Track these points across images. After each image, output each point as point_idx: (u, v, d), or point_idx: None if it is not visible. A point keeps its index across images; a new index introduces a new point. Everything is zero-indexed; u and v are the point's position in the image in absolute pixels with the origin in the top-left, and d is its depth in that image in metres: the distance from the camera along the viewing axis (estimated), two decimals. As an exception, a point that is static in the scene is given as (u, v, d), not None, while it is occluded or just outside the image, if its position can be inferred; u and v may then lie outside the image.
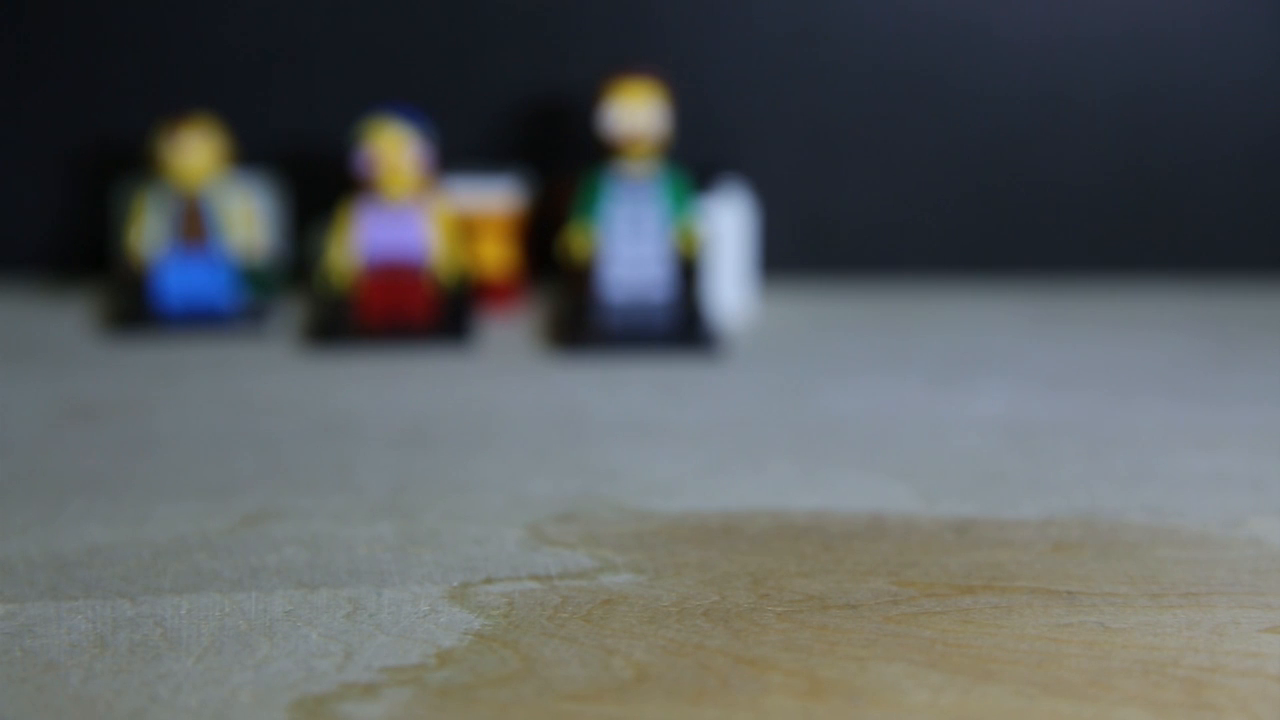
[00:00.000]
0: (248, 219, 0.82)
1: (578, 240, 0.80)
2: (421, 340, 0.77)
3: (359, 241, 0.79)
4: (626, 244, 0.80)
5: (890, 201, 0.91)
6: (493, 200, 0.85)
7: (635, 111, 0.79)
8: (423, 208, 0.80)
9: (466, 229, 0.84)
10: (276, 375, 0.72)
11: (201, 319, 0.80)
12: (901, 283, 0.91)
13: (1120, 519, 0.52)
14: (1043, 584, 0.46)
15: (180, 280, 0.81)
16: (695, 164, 0.85)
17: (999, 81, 0.90)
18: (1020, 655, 0.41)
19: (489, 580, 0.46)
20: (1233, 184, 0.91)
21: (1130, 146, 0.91)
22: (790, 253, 0.91)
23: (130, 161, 0.89)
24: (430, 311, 0.79)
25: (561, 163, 0.89)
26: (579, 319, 0.79)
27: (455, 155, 0.87)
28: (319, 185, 0.88)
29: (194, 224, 0.81)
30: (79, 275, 0.90)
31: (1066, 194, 0.91)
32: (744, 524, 0.51)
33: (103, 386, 0.70)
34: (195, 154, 0.80)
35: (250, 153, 0.88)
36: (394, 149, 0.79)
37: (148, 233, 0.81)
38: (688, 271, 0.80)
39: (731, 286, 0.84)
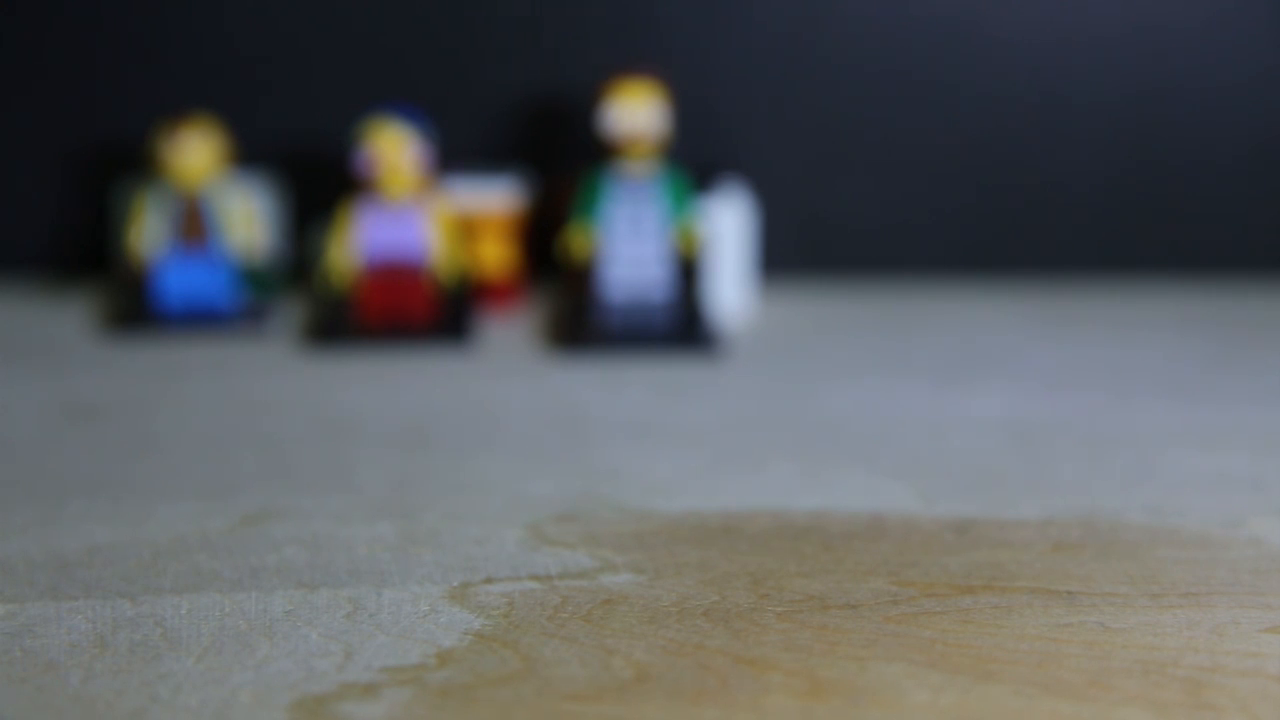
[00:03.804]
0: (248, 219, 0.82)
1: (578, 240, 0.80)
2: (421, 340, 0.77)
3: (359, 241, 0.79)
4: (626, 244, 0.80)
5: (890, 201, 0.91)
6: (493, 200, 0.85)
7: (635, 111, 0.79)
8: (423, 208, 0.80)
9: (466, 229, 0.84)
10: (276, 375, 0.72)
11: (201, 319, 0.80)
12: (901, 283, 0.91)
13: (1120, 519, 0.52)
14: (1043, 584, 0.46)
15: (180, 280, 0.81)
16: (695, 164, 0.85)
17: (999, 81, 0.90)
18: (1020, 655, 0.41)
19: (489, 580, 0.46)
20: (1233, 184, 0.91)
21: (1130, 147, 0.91)
22: (790, 253, 0.91)
23: (130, 161, 0.89)
24: (430, 311, 0.79)
25: (561, 163, 0.89)
26: (579, 319, 0.79)
27: (455, 155, 0.87)
28: (319, 185, 0.88)
29: (194, 224, 0.81)
30: (79, 275, 0.90)
31: (1066, 194, 0.91)
32: (744, 524, 0.51)
33: (103, 386, 0.70)
34: (195, 154, 0.80)
35: (250, 153, 0.88)
36: (394, 149, 0.79)
37: (148, 233, 0.81)
38: (688, 271, 0.80)
39: (731, 286, 0.84)
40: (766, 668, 0.40)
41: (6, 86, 0.90)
